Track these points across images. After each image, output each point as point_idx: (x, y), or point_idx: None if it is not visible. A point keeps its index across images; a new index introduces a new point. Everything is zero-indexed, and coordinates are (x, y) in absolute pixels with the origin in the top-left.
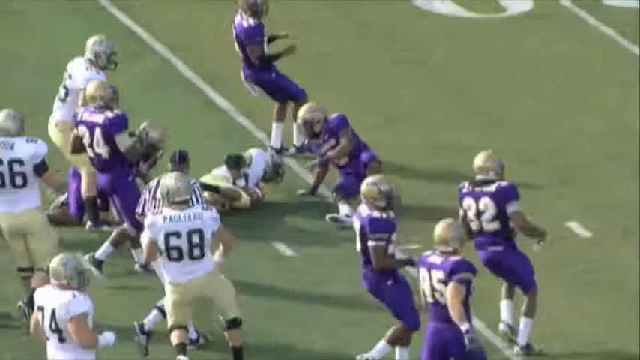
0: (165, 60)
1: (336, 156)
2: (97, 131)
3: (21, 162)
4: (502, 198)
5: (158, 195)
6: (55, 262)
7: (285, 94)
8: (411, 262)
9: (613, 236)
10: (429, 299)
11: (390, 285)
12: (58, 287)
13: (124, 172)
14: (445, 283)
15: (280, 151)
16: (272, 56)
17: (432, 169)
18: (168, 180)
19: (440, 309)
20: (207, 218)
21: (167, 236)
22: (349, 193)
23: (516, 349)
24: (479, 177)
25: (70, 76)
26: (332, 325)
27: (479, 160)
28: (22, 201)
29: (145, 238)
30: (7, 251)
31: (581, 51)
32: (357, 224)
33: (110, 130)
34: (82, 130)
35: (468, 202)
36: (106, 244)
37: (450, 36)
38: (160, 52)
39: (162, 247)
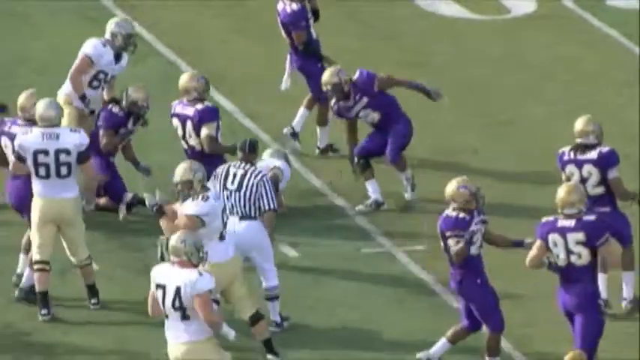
0: (170, 62)
1: (382, 83)
2: (189, 124)
3: (67, 152)
4: (605, 163)
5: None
6: (173, 240)
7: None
8: (521, 244)
9: None
10: (562, 263)
11: (478, 284)
12: (178, 265)
13: (217, 162)
14: (585, 244)
15: (327, 150)
16: (317, 49)
17: (436, 170)
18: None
19: (574, 271)
20: None
21: None
22: (371, 153)
23: (624, 304)
24: (579, 140)
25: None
26: (337, 325)
27: (579, 124)
28: (64, 189)
29: None
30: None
31: (584, 52)
32: (439, 225)
33: (200, 123)
34: (175, 122)
35: (571, 169)
36: None
37: (453, 37)
38: (164, 53)
39: None
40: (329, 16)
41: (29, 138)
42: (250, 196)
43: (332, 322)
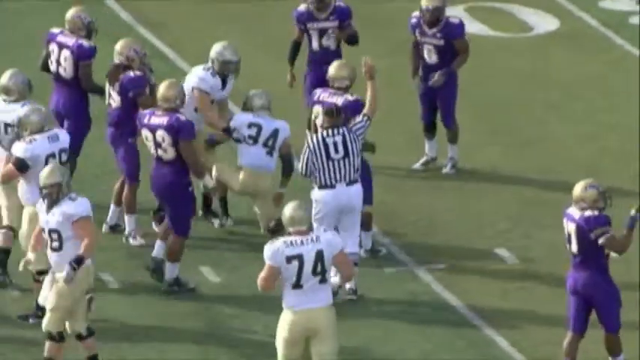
0: None
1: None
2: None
3: (66, 151)
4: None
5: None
6: (292, 210)
7: None
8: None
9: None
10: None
11: (606, 284)
12: (300, 234)
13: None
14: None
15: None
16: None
17: (458, 189)
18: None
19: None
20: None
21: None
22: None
23: None
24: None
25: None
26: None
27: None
28: None
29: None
30: None
31: (607, 70)
32: (570, 227)
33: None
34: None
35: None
36: None
37: (475, 55)
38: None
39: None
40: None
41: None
42: (355, 160)
43: (353, 341)
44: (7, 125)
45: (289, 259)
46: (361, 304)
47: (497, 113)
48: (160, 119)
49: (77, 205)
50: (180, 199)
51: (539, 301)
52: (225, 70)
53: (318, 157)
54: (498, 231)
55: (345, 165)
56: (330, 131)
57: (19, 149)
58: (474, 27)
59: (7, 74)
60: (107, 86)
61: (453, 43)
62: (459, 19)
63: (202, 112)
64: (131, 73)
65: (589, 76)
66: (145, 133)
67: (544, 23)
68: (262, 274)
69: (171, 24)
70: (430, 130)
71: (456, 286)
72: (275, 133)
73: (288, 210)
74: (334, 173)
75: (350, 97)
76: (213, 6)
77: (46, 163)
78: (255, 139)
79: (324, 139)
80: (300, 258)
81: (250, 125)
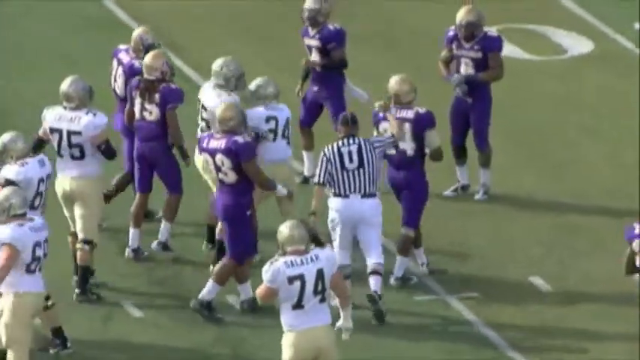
0: None
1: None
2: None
3: (50, 176)
4: None
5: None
6: (290, 228)
7: None
8: None
9: None
10: None
11: None
12: (299, 254)
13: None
14: None
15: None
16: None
17: (490, 213)
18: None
19: None
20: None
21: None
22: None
23: None
24: None
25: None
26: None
27: None
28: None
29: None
30: None
31: None
32: None
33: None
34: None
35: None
36: None
37: (508, 77)
38: None
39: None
40: (383, 64)
41: None
42: (372, 171)
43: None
44: (70, 133)
45: (291, 280)
46: (389, 331)
47: (530, 136)
48: (217, 142)
49: None
50: (238, 222)
51: (576, 331)
52: (237, 86)
53: (333, 166)
54: (532, 258)
55: (359, 175)
56: (345, 140)
57: (11, 172)
58: (507, 49)
59: (67, 81)
60: (138, 101)
61: (488, 57)
62: (498, 33)
63: None
64: (172, 85)
65: (623, 99)
66: (205, 157)
67: (578, 45)
68: (260, 294)
69: (192, 45)
70: (460, 155)
71: (489, 316)
72: (287, 121)
73: (287, 229)
74: (348, 184)
75: (421, 110)
76: (236, 25)
77: (38, 186)
78: (275, 132)
79: (339, 149)
80: (301, 278)
81: (268, 119)
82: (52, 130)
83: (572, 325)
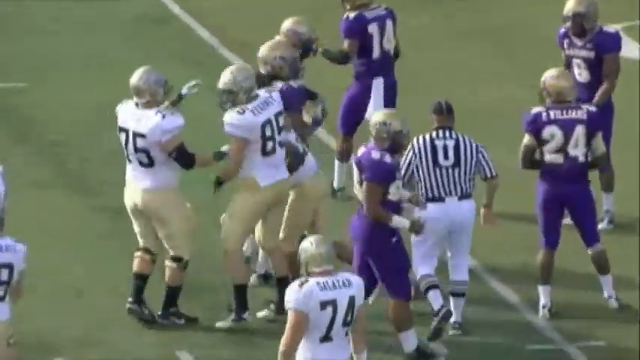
0: None
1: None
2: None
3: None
4: None
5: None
6: (315, 246)
7: None
8: None
9: None
10: None
11: None
12: (329, 275)
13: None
14: None
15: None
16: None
17: (617, 244)
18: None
19: None
20: None
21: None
22: None
23: None
24: None
25: None
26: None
27: None
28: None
29: None
30: None
31: None
32: None
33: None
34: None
35: None
36: None
37: (629, 81)
38: None
39: None
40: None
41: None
42: (470, 170)
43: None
44: (135, 135)
45: (323, 305)
46: None
47: None
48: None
49: None
50: (384, 254)
51: None
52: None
53: (423, 162)
54: None
55: (455, 175)
56: (440, 132)
57: None
58: (630, 50)
59: (138, 72)
60: None
61: (603, 59)
62: (616, 30)
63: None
64: (292, 84)
65: None
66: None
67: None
68: (289, 327)
69: (255, 44)
70: None
71: None
72: None
73: (311, 246)
74: (442, 184)
75: (592, 108)
76: None
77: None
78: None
79: (432, 141)
80: (334, 304)
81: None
82: (120, 130)
83: None
